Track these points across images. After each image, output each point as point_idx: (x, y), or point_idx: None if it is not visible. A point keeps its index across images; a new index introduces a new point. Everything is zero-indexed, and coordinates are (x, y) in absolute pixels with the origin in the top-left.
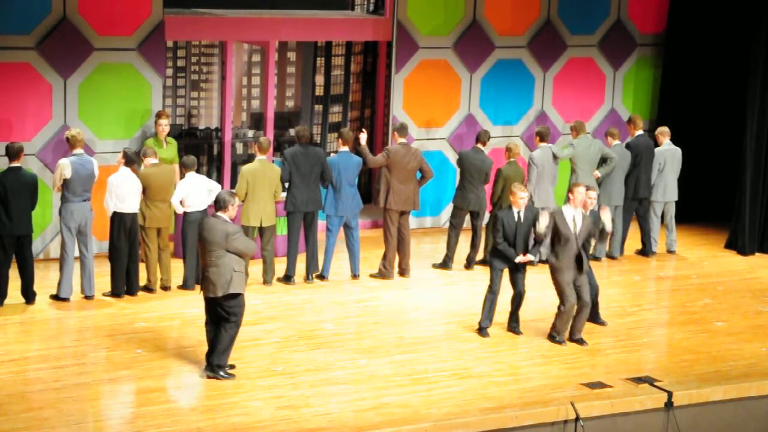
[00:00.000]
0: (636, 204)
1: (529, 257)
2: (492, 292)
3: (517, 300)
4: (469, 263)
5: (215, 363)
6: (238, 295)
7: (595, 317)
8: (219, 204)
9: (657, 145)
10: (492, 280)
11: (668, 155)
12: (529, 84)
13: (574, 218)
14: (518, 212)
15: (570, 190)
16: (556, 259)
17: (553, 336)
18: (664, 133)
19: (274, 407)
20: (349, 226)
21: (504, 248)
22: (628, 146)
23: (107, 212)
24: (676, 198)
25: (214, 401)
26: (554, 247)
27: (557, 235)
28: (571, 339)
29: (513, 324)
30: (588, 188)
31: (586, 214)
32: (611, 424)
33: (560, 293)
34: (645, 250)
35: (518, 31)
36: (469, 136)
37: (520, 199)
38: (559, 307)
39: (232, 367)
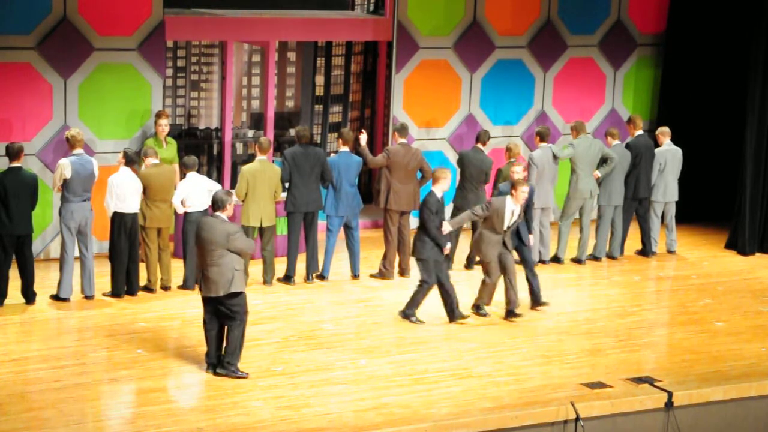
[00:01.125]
0: (636, 204)
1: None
2: (440, 284)
3: (449, 293)
4: (469, 263)
5: (226, 361)
6: (239, 294)
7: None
8: (217, 204)
9: (657, 145)
10: (427, 273)
11: (669, 155)
12: (530, 84)
13: (513, 212)
14: (442, 197)
15: (515, 187)
16: (483, 236)
17: (478, 306)
18: (664, 133)
19: (274, 407)
20: (350, 226)
21: (438, 236)
22: (628, 146)
23: (107, 212)
24: (676, 198)
25: (214, 401)
26: (486, 226)
27: (493, 222)
28: (508, 313)
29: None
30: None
31: (521, 210)
32: (611, 424)
33: (485, 268)
34: (645, 251)
35: (518, 31)
36: (470, 136)
37: (443, 181)
38: (483, 280)
39: None
